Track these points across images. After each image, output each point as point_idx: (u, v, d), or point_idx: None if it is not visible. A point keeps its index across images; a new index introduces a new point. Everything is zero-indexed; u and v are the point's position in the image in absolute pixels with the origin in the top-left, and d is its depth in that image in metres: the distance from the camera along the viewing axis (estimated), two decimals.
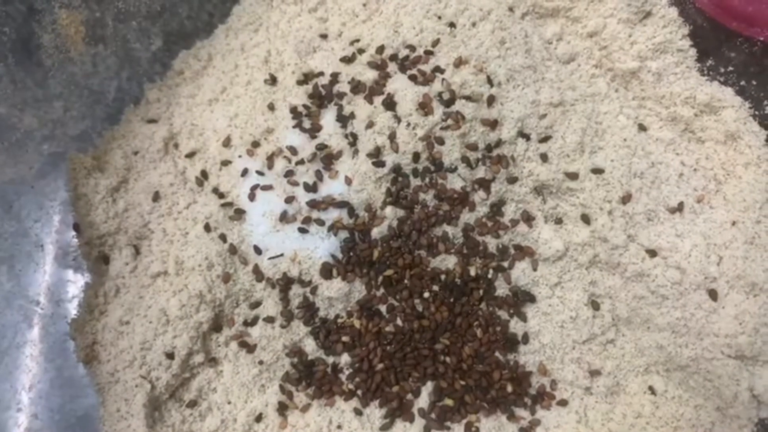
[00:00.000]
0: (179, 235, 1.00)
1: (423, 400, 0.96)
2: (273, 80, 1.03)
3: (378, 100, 0.96)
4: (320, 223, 0.96)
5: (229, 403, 0.97)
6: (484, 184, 0.96)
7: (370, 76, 0.97)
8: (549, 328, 0.97)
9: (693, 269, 0.93)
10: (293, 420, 0.96)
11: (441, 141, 0.95)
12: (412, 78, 0.96)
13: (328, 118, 0.98)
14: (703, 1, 1.01)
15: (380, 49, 0.98)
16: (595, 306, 0.96)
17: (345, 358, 0.97)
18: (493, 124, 0.95)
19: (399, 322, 0.97)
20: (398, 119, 0.95)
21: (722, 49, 1.03)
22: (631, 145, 0.97)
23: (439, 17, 0.99)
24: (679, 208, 0.96)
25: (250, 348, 0.97)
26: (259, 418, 0.96)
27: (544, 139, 0.96)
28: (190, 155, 1.03)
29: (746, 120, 0.99)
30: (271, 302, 0.97)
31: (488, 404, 0.96)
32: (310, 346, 0.97)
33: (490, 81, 0.95)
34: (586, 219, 0.96)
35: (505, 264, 0.97)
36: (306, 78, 1.00)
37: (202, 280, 0.95)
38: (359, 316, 0.97)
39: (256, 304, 0.98)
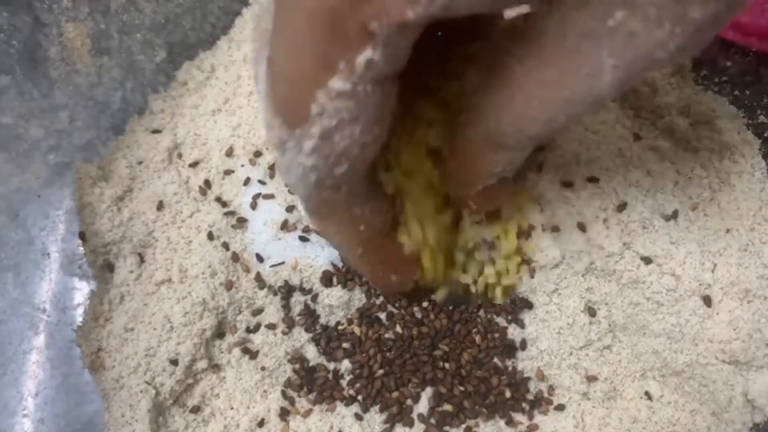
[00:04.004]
0: (183, 243, 1.01)
1: (422, 406, 0.97)
2: None
3: None
4: None
5: (232, 408, 0.98)
6: None
7: None
8: (546, 334, 0.98)
9: (687, 276, 0.94)
10: (295, 425, 0.97)
11: None
12: None
13: None
14: None
15: None
16: (591, 312, 0.97)
17: (345, 364, 0.98)
18: None
19: (398, 329, 0.98)
20: None
21: (717, 60, 1.04)
22: (627, 154, 0.99)
23: None
24: (674, 216, 0.97)
25: (252, 354, 0.99)
26: (261, 424, 0.97)
27: (540, 149, 0.97)
28: (194, 165, 1.04)
29: (740, 129, 1.00)
30: (273, 309, 0.99)
31: (487, 409, 0.97)
32: (312, 353, 0.99)
33: None
34: (582, 227, 0.97)
35: None
36: None
37: (206, 288, 0.97)
38: (359, 323, 0.98)
39: (259, 311, 0.99)
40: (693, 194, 0.99)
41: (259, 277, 0.99)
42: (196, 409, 0.98)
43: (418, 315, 0.98)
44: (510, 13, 0.68)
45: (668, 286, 0.95)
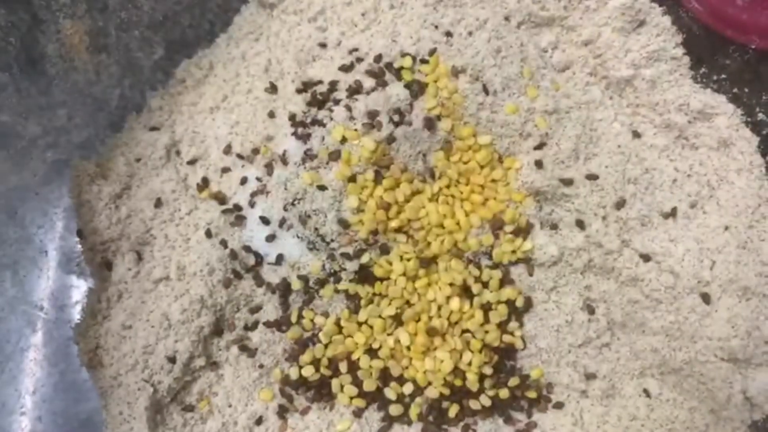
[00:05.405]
0: (181, 240, 1.01)
1: (420, 404, 0.96)
2: (273, 89, 1.04)
3: None
4: None
5: (230, 406, 0.98)
6: None
7: (367, 84, 0.98)
8: (545, 332, 0.98)
9: (686, 273, 0.94)
10: (293, 423, 0.97)
11: None
12: (408, 86, 0.97)
13: None
14: (697, 9, 1.03)
15: (378, 58, 0.99)
16: (590, 310, 0.97)
17: (344, 362, 0.98)
18: None
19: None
20: None
21: (716, 57, 1.04)
22: (626, 151, 0.98)
23: (436, 27, 1.00)
24: (673, 213, 0.97)
25: (250, 352, 0.99)
26: (259, 421, 0.97)
27: (539, 146, 0.97)
28: (192, 162, 1.04)
29: (739, 126, 1.00)
30: (271, 307, 0.99)
31: (485, 408, 0.96)
32: (310, 349, 0.98)
33: (485, 89, 0.96)
34: (580, 224, 0.97)
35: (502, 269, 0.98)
36: (305, 86, 1.01)
37: (204, 285, 0.97)
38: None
39: (257, 309, 0.99)
40: (692, 191, 0.98)
41: (257, 275, 0.99)
42: (194, 407, 0.98)
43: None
44: None
45: (667, 283, 0.94)
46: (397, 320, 0.97)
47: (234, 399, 0.98)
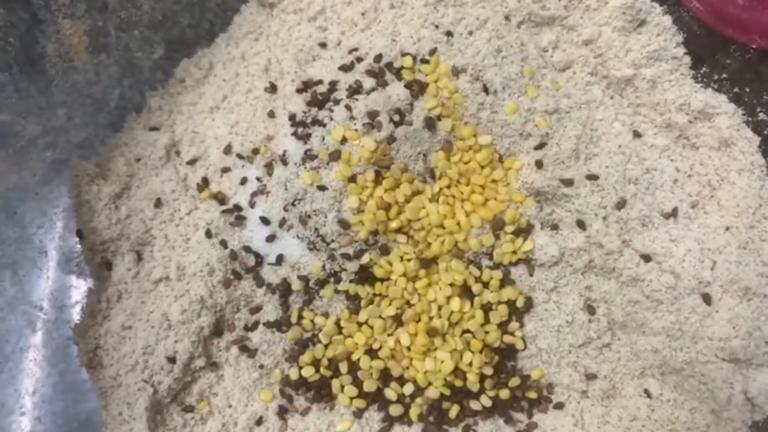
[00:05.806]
0: (181, 241, 1.01)
1: (421, 404, 0.96)
2: (273, 88, 1.04)
3: None
4: None
5: (230, 406, 0.98)
6: None
7: (367, 84, 0.98)
8: (545, 332, 0.97)
9: (687, 274, 0.94)
10: (293, 423, 0.97)
11: None
12: (409, 86, 0.97)
13: None
14: (698, 9, 1.02)
15: (378, 58, 0.99)
16: (590, 310, 0.97)
17: (344, 362, 0.98)
18: None
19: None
20: None
21: (716, 57, 1.03)
22: (626, 151, 0.98)
23: (437, 26, 1.00)
24: (674, 213, 0.97)
25: (250, 352, 0.98)
26: (259, 422, 0.97)
27: (540, 146, 0.97)
28: (192, 162, 1.04)
29: (740, 126, 1.00)
30: (271, 307, 0.98)
31: (486, 408, 0.96)
32: (310, 350, 0.98)
33: (486, 89, 0.96)
34: (581, 225, 0.97)
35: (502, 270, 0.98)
36: (305, 86, 1.01)
37: (204, 286, 0.97)
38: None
39: (257, 310, 0.99)
40: (692, 191, 0.98)
41: (257, 275, 0.98)
42: (193, 408, 0.97)
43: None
44: None
45: (668, 284, 0.94)
46: (398, 321, 0.97)
47: (234, 399, 0.98)
